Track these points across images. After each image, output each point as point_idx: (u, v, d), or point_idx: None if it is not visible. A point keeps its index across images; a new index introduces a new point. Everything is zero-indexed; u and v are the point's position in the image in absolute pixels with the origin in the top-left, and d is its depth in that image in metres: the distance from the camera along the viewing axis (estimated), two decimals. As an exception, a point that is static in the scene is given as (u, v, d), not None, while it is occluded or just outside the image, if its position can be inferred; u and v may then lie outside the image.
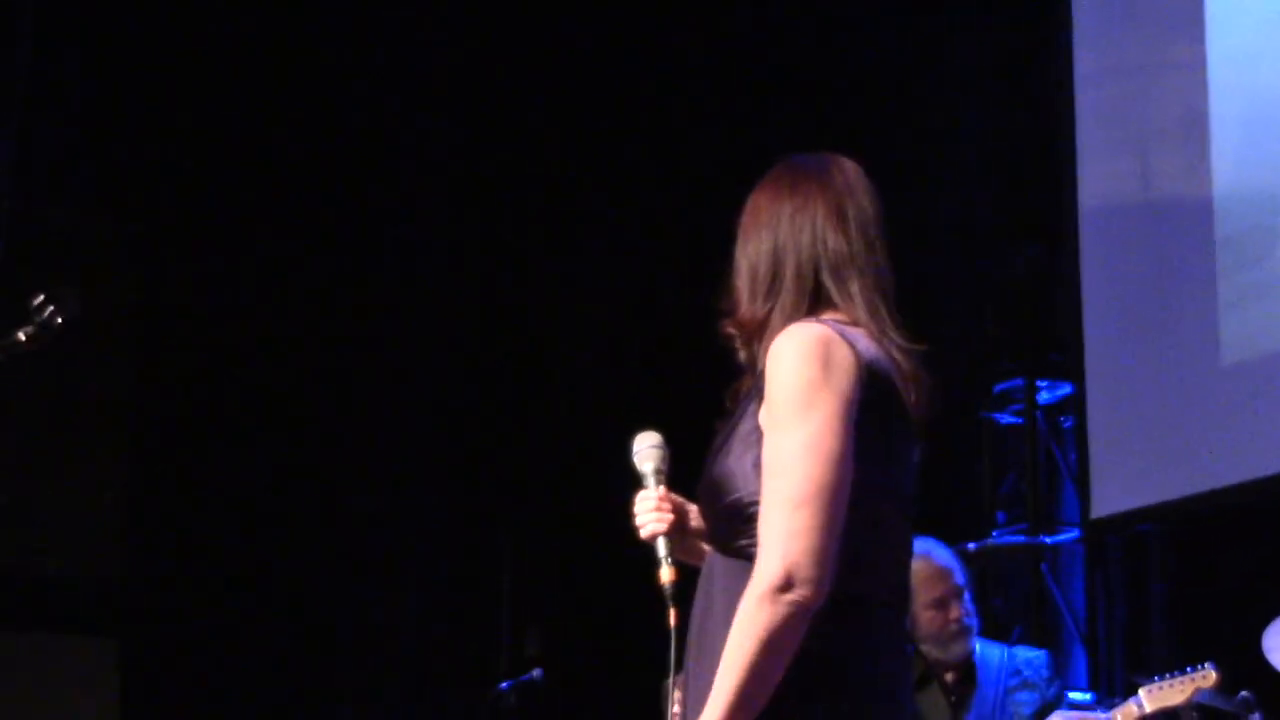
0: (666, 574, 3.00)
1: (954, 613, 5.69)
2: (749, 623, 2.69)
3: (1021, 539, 7.54)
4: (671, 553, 3.05)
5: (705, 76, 8.44)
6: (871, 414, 2.78)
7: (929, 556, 5.60)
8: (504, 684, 6.96)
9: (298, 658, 8.15)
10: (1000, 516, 7.69)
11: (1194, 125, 6.81)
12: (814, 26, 8.31)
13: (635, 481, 3.20)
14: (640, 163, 8.49)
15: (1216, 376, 6.67)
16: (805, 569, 2.68)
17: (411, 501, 8.50)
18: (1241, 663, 5.43)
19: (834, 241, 2.89)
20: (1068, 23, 7.31)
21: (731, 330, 2.92)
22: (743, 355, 2.96)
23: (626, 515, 3.17)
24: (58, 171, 8.09)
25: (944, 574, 5.67)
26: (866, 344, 2.83)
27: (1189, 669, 5.14)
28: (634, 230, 8.41)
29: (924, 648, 5.71)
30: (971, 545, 7.35)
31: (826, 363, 2.75)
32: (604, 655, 8.19)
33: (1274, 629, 5.08)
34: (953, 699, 5.72)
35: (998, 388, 7.74)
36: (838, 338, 2.79)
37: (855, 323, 2.88)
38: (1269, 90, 6.63)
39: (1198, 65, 6.83)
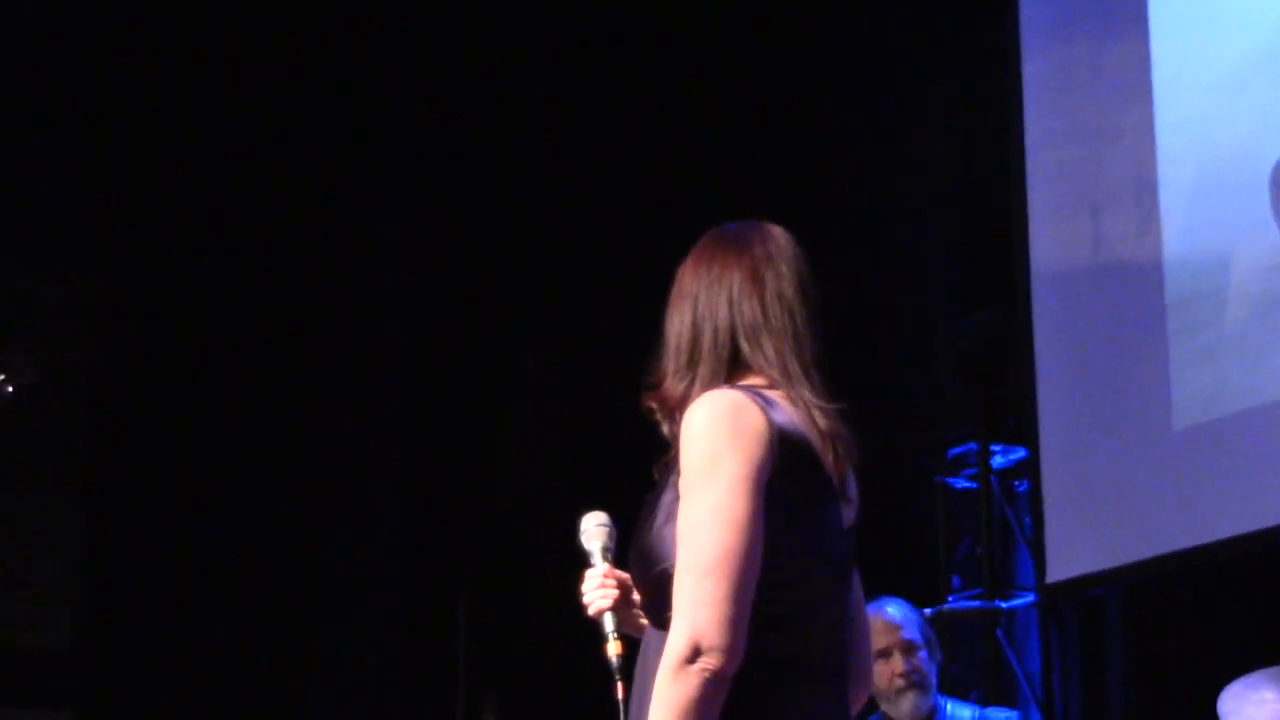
0: (613, 648, 3.07)
1: (897, 666, 5.65)
2: (662, 695, 2.72)
3: (977, 604, 7.54)
4: (618, 627, 3.11)
5: (656, 161, 8.45)
6: (787, 478, 2.80)
7: (881, 611, 5.57)
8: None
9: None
10: (956, 581, 7.68)
11: (1144, 189, 6.86)
12: (766, 87, 8.35)
13: (584, 559, 3.24)
14: (584, 216, 8.51)
15: (1169, 440, 6.69)
16: (711, 637, 2.69)
17: (367, 569, 8.46)
18: (1198, 727, 5.43)
19: (749, 308, 2.93)
20: (1018, 88, 7.36)
21: (653, 404, 2.95)
22: (665, 429, 3.00)
23: (579, 588, 3.22)
24: (9, 236, 8.06)
25: (890, 627, 5.63)
26: (781, 408, 2.85)
27: None
28: (592, 302, 8.41)
29: (881, 705, 5.69)
30: (928, 610, 7.34)
31: (734, 429, 2.78)
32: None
33: (1229, 693, 5.06)
34: None
35: (952, 452, 7.75)
36: (749, 403, 2.82)
37: (773, 386, 2.89)
38: (1216, 155, 6.69)
39: (1147, 130, 6.88)
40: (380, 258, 8.67)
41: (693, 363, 2.94)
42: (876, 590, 5.14)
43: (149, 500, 8.17)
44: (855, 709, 3.09)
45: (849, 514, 2.94)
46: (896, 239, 8.04)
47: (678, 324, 2.96)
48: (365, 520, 8.49)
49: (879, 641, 5.54)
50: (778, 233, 3.03)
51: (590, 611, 3.14)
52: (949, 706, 5.89)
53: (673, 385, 2.93)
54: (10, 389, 3.61)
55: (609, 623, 3.11)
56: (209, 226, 8.33)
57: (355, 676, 8.39)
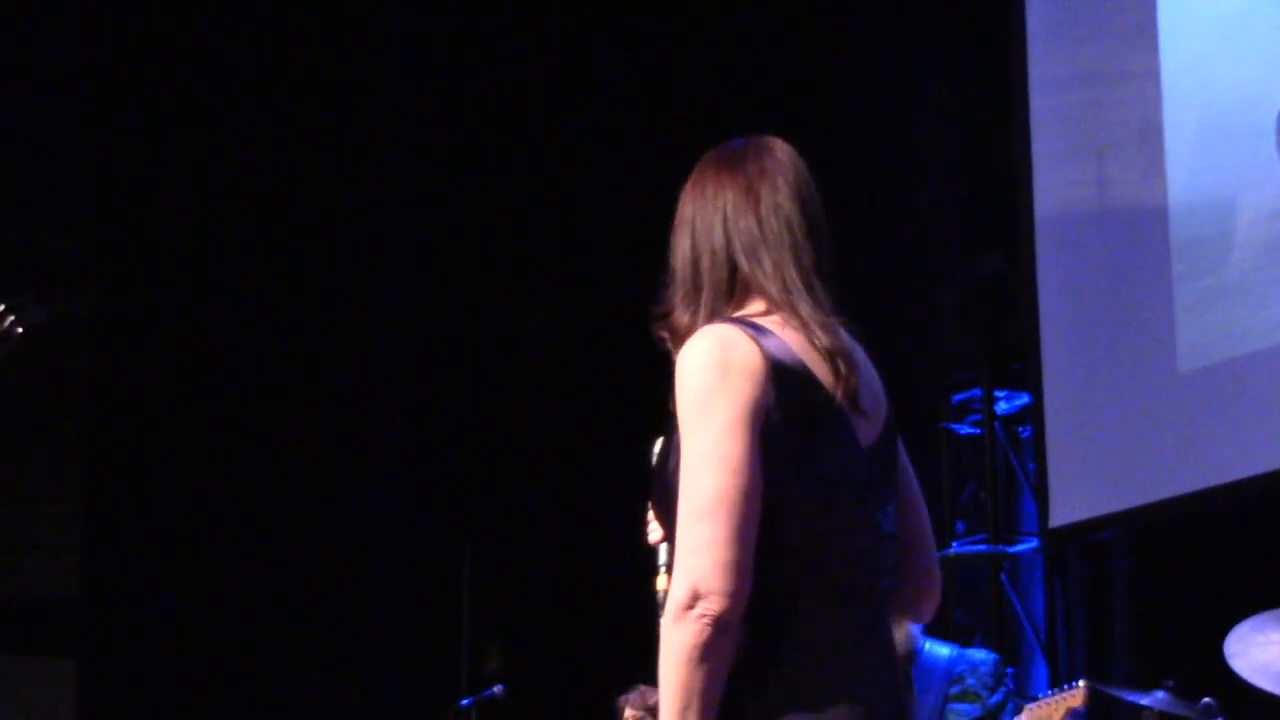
0: (662, 581, 2.95)
1: None
2: (666, 644, 2.70)
3: (981, 548, 7.55)
4: (670, 560, 2.99)
5: (663, 90, 8.44)
6: (784, 410, 2.74)
7: None
8: (465, 700, 6.94)
9: (259, 678, 8.10)
10: (960, 526, 7.70)
11: (1149, 133, 6.84)
12: (773, 34, 8.32)
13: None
14: (594, 169, 8.50)
15: (1174, 383, 6.69)
16: (709, 581, 2.67)
17: (373, 520, 8.47)
18: (1204, 669, 5.44)
19: (744, 225, 2.87)
20: (1023, 33, 7.34)
21: (663, 334, 2.91)
22: (676, 357, 2.91)
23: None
24: (13, 188, 8.05)
25: None
26: (776, 335, 2.80)
27: (1062, 687, 5.17)
28: (601, 246, 8.41)
29: None
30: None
31: (725, 367, 2.73)
32: (563, 672, 8.18)
33: (1235, 634, 5.08)
34: None
35: (956, 398, 7.76)
36: (741, 338, 2.77)
37: (772, 308, 2.86)
38: (1222, 97, 6.67)
39: (1152, 74, 6.86)
40: (387, 201, 8.66)
41: (696, 289, 2.88)
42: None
43: (153, 449, 8.17)
44: (921, 617, 3.04)
45: (870, 428, 2.84)
46: (900, 185, 8.03)
47: (680, 251, 2.91)
48: (371, 469, 8.49)
49: None
50: (776, 145, 2.97)
51: (650, 539, 3.02)
52: (928, 645, 5.86)
53: (680, 315, 2.88)
54: (20, 330, 3.60)
55: (662, 554, 2.99)
56: (212, 167, 8.32)
57: (361, 624, 8.41)
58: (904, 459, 2.97)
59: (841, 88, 8.16)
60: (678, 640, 2.67)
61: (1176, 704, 5.49)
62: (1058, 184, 7.22)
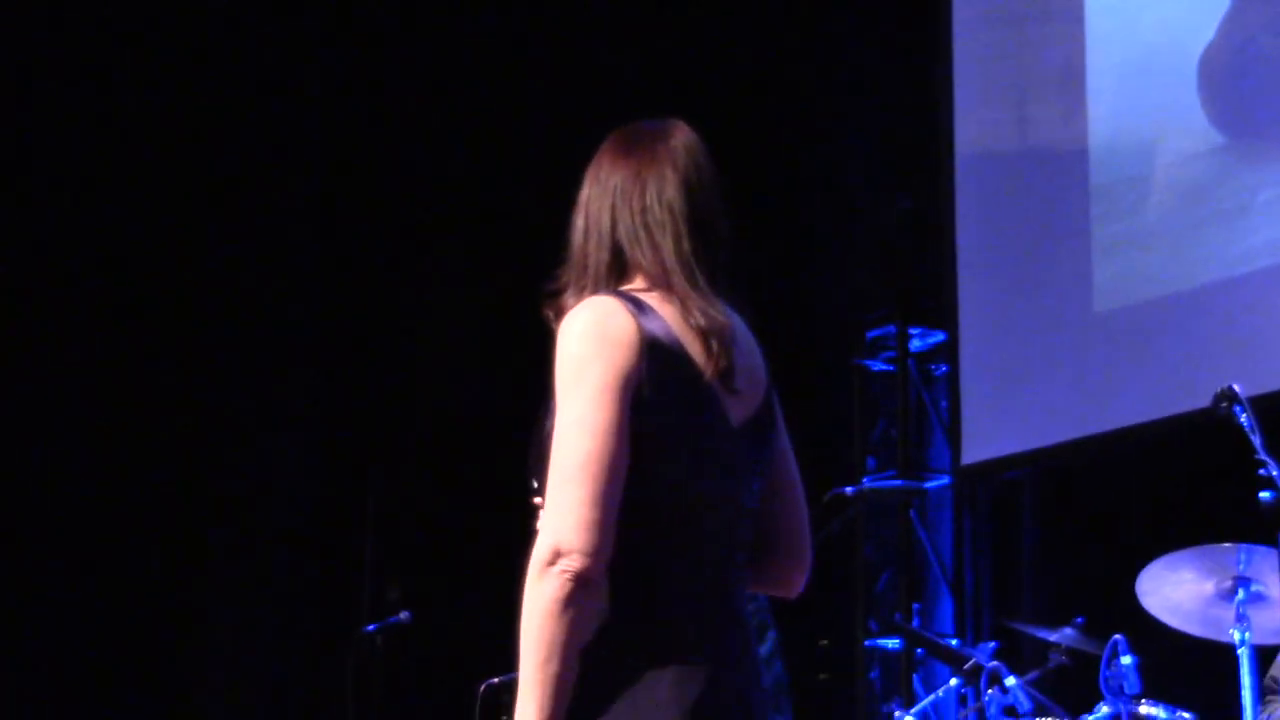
0: None
1: None
2: (527, 601, 2.77)
3: (891, 484, 7.59)
4: None
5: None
6: (656, 383, 2.83)
7: None
8: (370, 626, 6.92)
9: (163, 608, 8.04)
10: (870, 462, 7.73)
11: (1071, 75, 6.86)
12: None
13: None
14: (520, 148, 8.43)
15: (1089, 324, 6.74)
16: (571, 540, 2.74)
17: (275, 451, 8.41)
18: (1112, 608, 5.49)
19: (631, 208, 2.96)
20: (946, -31, 7.34)
21: (549, 312, 2.97)
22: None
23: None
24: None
25: None
26: (655, 312, 2.88)
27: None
28: (513, 187, 8.34)
29: None
30: (849, 489, 7.40)
31: (602, 337, 2.82)
32: (462, 601, 8.17)
33: (1148, 573, 5.13)
34: None
35: (870, 335, 7.78)
36: (619, 310, 2.85)
37: (652, 287, 2.93)
38: (1145, 39, 6.69)
39: (1076, 14, 6.87)
40: (300, 132, 8.56)
41: (584, 270, 2.99)
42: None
43: (52, 374, 8.06)
44: (791, 590, 3.11)
45: (743, 408, 2.93)
46: (817, 123, 8.01)
47: (574, 232, 3.01)
48: (277, 404, 8.43)
49: None
50: (675, 131, 3.04)
51: (535, 501, 3.10)
52: None
53: (568, 296, 2.98)
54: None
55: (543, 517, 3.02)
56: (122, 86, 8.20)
57: (264, 556, 8.36)
58: (784, 440, 3.05)
59: (761, 30, 8.11)
60: (539, 595, 2.75)
61: (1085, 640, 5.55)
62: (977, 123, 7.23)
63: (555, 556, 2.74)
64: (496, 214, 8.37)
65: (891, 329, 7.69)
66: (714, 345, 2.88)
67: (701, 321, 2.88)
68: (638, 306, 2.87)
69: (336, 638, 7.49)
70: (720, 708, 2.82)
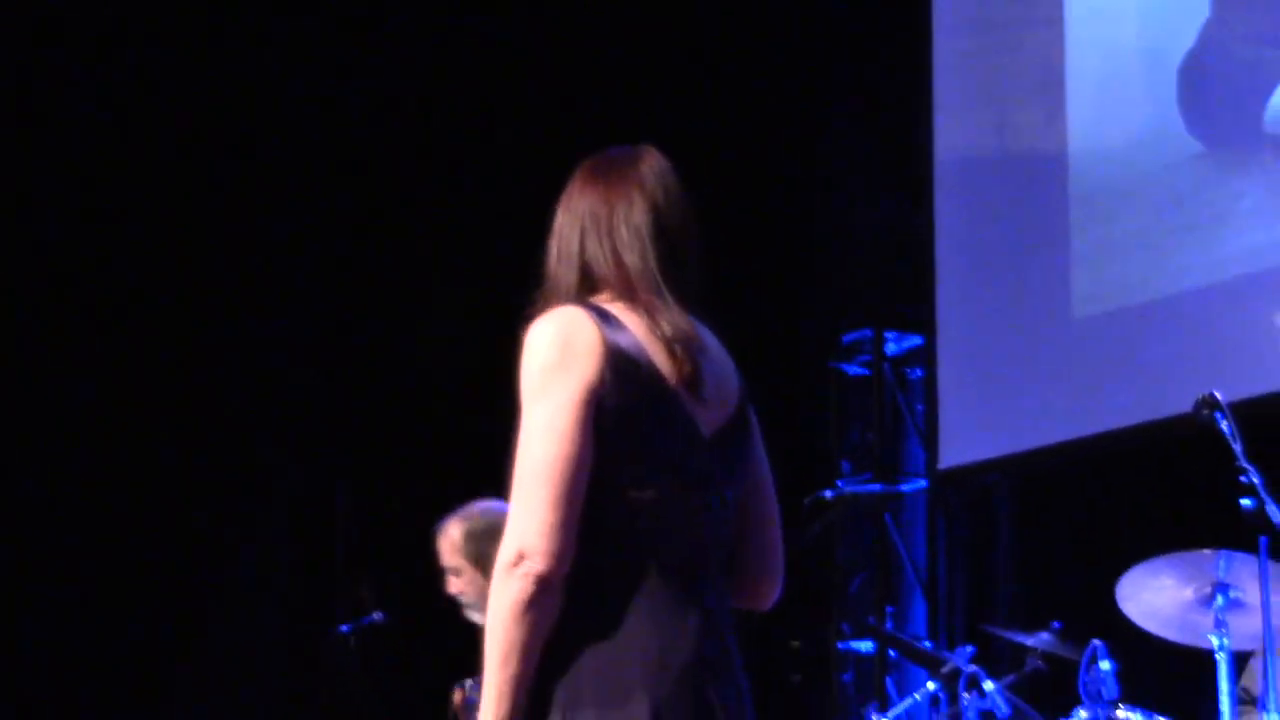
0: None
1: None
2: (492, 602, 2.81)
3: (866, 488, 7.60)
4: None
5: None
6: (620, 392, 2.86)
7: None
8: (344, 627, 6.89)
9: (137, 608, 8.01)
10: (845, 466, 7.74)
11: (1052, 81, 6.88)
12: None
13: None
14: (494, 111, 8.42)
15: (1067, 331, 6.76)
16: (535, 542, 2.78)
17: (248, 454, 8.39)
18: (1090, 613, 5.50)
19: (599, 235, 3.01)
20: (927, -25, 7.35)
21: (523, 334, 3.00)
22: None
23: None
24: None
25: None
26: (620, 323, 2.92)
27: None
28: (494, 199, 8.33)
29: None
30: (827, 493, 7.40)
31: (566, 346, 2.86)
32: (435, 603, 8.14)
33: (1128, 578, 5.13)
34: None
35: (846, 338, 7.79)
36: (584, 319, 2.89)
37: (617, 297, 2.97)
38: (1125, 48, 6.71)
39: (1056, 21, 6.89)
40: (273, 147, 8.53)
41: (557, 292, 3.03)
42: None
43: (35, 375, 8.03)
44: (762, 603, 3.13)
45: (713, 417, 2.96)
46: (798, 127, 8.02)
47: (548, 257, 3.06)
48: (250, 406, 8.41)
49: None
50: (644, 158, 3.08)
51: None
52: None
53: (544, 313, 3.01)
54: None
55: None
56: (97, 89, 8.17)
57: (240, 557, 8.34)
58: (759, 453, 3.07)
59: (744, 34, 8.11)
60: (502, 596, 2.79)
61: (1062, 645, 5.55)
62: (958, 129, 7.24)
63: (519, 559, 2.78)
64: (475, 221, 8.35)
65: (868, 333, 7.70)
66: (678, 351, 2.91)
67: (667, 331, 2.91)
68: (602, 317, 2.90)
69: (311, 638, 7.48)
70: (693, 705, 2.83)
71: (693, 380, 2.92)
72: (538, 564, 2.77)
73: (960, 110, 7.23)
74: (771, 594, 3.13)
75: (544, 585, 2.77)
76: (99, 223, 8.15)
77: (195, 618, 8.19)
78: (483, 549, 5.35)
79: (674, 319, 2.93)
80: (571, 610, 2.82)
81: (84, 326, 8.11)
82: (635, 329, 2.91)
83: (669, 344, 2.91)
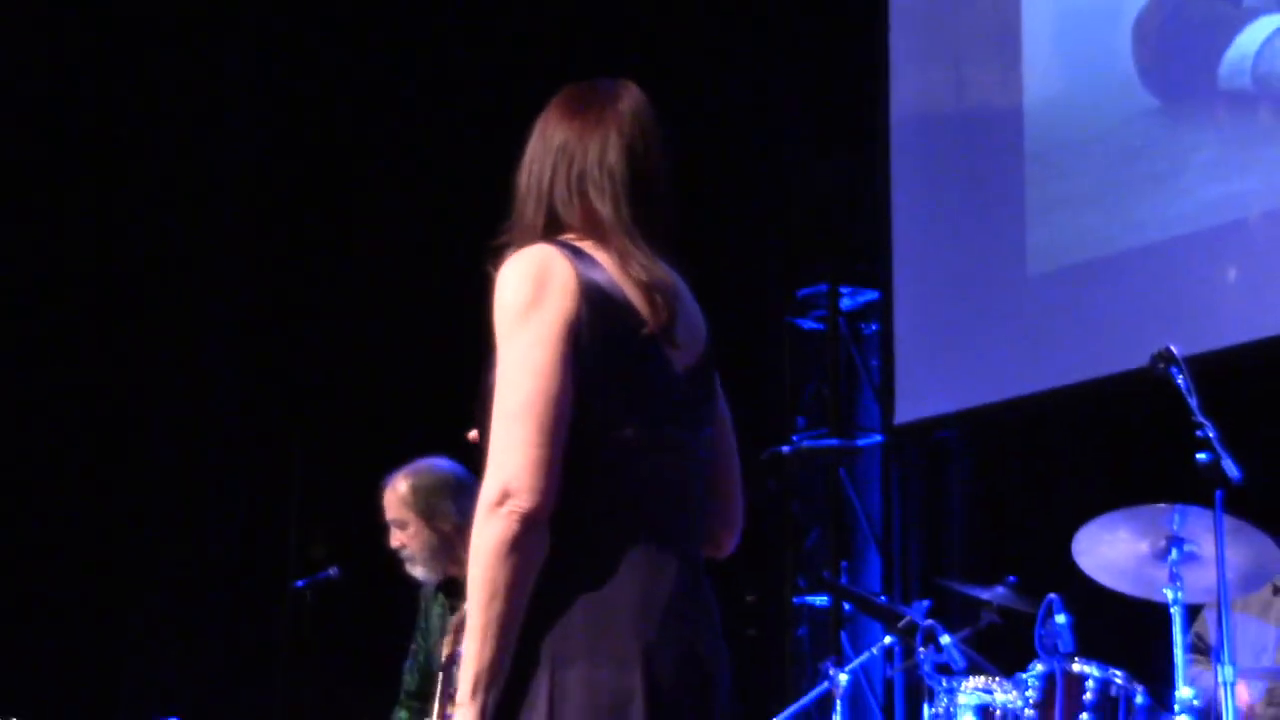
0: None
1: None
2: (475, 539, 2.76)
3: (821, 443, 7.61)
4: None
5: None
6: (594, 329, 2.83)
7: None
8: (299, 582, 6.88)
9: (91, 566, 7.99)
10: (801, 421, 7.75)
11: (1007, 36, 6.87)
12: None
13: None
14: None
15: (1022, 286, 6.76)
16: (519, 479, 2.73)
17: (203, 408, 8.36)
18: (1043, 567, 5.52)
19: (572, 171, 2.97)
20: (881, -69, 7.33)
21: (491, 269, 2.97)
22: None
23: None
24: None
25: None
26: (593, 260, 2.89)
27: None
28: (428, 169, 8.30)
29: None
30: (785, 449, 7.40)
31: (541, 282, 2.83)
32: (389, 559, 8.14)
33: (1084, 532, 5.15)
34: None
35: (801, 293, 7.79)
36: (557, 256, 2.86)
37: (587, 237, 2.93)
38: (1080, 3, 6.71)
39: (1011, -25, 6.88)
40: (221, 109, 8.48)
41: (525, 228, 2.99)
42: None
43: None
44: (720, 550, 3.11)
45: (683, 358, 2.93)
46: (752, 81, 8.00)
47: (518, 188, 3.02)
48: (201, 368, 8.38)
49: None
50: (624, 94, 3.04)
51: (469, 436, 3.10)
52: None
53: (511, 252, 2.94)
54: None
55: None
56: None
57: (194, 514, 8.32)
58: (722, 404, 3.05)
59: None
60: (486, 535, 2.73)
61: (1017, 599, 5.57)
62: (913, 85, 7.23)
63: (503, 497, 2.72)
64: (422, 175, 8.32)
65: (823, 287, 7.70)
66: (658, 299, 2.88)
67: (643, 276, 2.88)
68: (575, 254, 2.86)
69: (267, 594, 7.47)
70: (678, 653, 2.81)
71: (668, 326, 2.89)
72: (523, 501, 2.71)
73: (916, 66, 7.22)
74: (729, 543, 3.10)
75: (530, 523, 2.72)
76: (37, 196, 8.11)
77: (150, 576, 8.17)
78: (430, 503, 5.38)
79: (647, 264, 2.89)
80: (557, 560, 2.77)
81: (25, 290, 8.07)
82: (608, 266, 2.88)
83: (646, 289, 2.87)
